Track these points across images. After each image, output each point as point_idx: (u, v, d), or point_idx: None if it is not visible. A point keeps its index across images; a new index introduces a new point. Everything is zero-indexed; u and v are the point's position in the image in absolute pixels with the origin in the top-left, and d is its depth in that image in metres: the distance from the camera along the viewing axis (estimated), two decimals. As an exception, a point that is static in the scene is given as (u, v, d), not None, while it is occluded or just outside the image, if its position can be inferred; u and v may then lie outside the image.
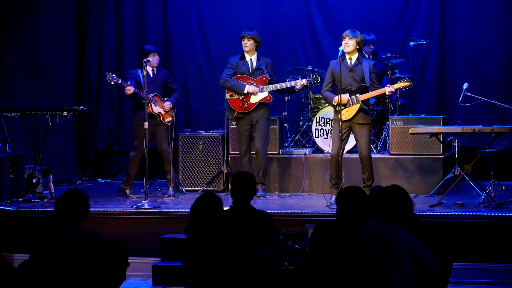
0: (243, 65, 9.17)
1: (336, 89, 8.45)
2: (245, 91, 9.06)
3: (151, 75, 9.13)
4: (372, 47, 10.48)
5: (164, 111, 9.16)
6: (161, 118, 9.18)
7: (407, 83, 8.53)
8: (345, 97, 8.27)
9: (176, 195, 9.31)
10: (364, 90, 8.38)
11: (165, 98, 9.22)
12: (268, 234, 5.89)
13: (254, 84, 9.09)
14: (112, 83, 9.13)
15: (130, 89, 8.94)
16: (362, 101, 8.34)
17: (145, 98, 8.64)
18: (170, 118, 9.28)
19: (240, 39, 9.16)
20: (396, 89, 8.55)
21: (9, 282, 5.25)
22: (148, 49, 9.21)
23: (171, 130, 9.30)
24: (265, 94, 9.10)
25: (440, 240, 5.08)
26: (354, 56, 8.40)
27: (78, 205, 5.45)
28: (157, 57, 9.17)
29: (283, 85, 9.20)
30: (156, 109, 9.10)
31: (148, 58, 8.84)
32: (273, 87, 9.11)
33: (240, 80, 9.12)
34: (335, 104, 8.34)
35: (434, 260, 4.78)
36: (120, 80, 9.02)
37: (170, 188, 9.28)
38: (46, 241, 4.89)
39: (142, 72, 8.91)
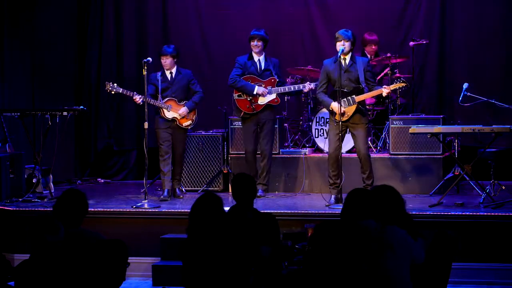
0: (252, 65, 9.15)
1: (332, 90, 8.43)
2: (255, 93, 9.04)
3: (169, 78, 9.01)
4: (373, 47, 10.49)
5: (180, 116, 9.00)
6: (178, 123, 9.00)
7: (403, 84, 8.53)
8: (343, 108, 8.23)
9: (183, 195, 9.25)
10: (360, 91, 8.36)
11: (183, 102, 9.02)
12: (269, 235, 5.90)
13: (263, 85, 9.08)
14: (113, 92, 8.95)
15: (137, 100, 8.83)
16: (358, 102, 8.33)
17: (145, 100, 8.62)
18: (188, 122, 9.06)
19: (249, 40, 9.12)
20: (392, 90, 8.57)
21: (8, 282, 5.26)
22: (160, 51, 9.09)
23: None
24: (273, 96, 9.09)
25: (440, 240, 5.08)
26: (348, 56, 8.38)
27: (77, 205, 5.44)
28: (165, 60, 8.96)
29: (292, 87, 9.18)
30: (170, 114, 8.94)
31: (148, 58, 8.75)
32: (281, 89, 9.09)
33: (249, 81, 9.10)
34: (331, 109, 8.35)
35: (419, 255, 4.81)
36: (121, 90, 8.88)
37: (177, 189, 9.20)
38: (44, 241, 4.89)
39: (161, 75, 8.94)
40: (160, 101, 8.90)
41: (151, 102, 8.82)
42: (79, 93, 11.47)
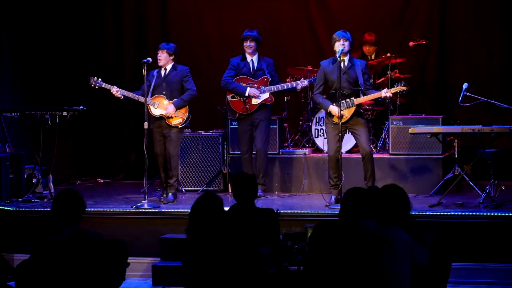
0: (244, 66, 9.16)
1: (330, 93, 8.39)
2: (246, 94, 9.04)
3: (162, 75, 8.89)
4: (367, 48, 10.51)
5: (166, 114, 8.78)
6: (167, 121, 8.79)
7: (404, 88, 8.49)
8: (342, 112, 8.19)
9: (176, 201, 8.90)
10: (358, 93, 8.34)
11: (174, 100, 8.82)
12: (269, 232, 5.91)
13: (255, 85, 9.08)
14: (96, 87, 8.94)
15: (115, 93, 8.82)
16: (357, 104, 8.31)
17: (145, 99, 8.62)
18: (178, 121, 8.82)
19: (242, 41, 9.14)
20: (393, 93, 8.54)
21: (8, 282, 5.26)
22: (157, 46, 9.00)
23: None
24: (266, 95, 9.10)
25: (440, 240, 5.08)
26: (346, 58, 8.35)
27: (73, 204, 5.43)
28: (160, 54, 8.84)
29: (285, 86, 9.18)
30: (157, 111, 8.76)
31: (148, 58, 8.72)
32: (274, 88, 9.09)
33: (241, 82, 9.10)
34: (329, 111, 8.31)
35: (424, 259, 4.81)
36: (104, 84, 8.86)
37: (170, 194, 8.88)
38: (46, 240, 4.90)
39: (157, 72, 8.86)
40: (148, 97, 8.70)
41: (132, 96, 8.78)
42: (79, 93, 11.46)
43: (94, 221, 7.90)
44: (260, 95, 9.06)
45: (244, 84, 9.08)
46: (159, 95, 8.85)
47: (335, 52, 8.29)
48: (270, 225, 5.98)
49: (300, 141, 10.26)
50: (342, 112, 8.19)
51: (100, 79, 8.93)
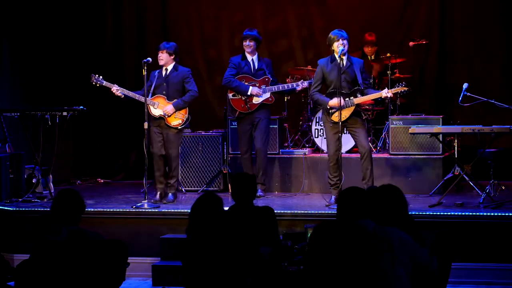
0: (245, 65, 9.16)
1: (328, 92, 8.38)
2: (249, 93, 9.04)
3: (163, 75, 8.84)
4: (370, 48, 10.51)
5: (165, 114, 8.76)
6: (166, 122, 8.75)
7: (405, 88, 8.47)
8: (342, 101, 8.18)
9: (176, 201, 8.88)
10: (357, 92, 8.32)
11: (174, 100, 8.77)
12: (268, 229, 5.92)
13: (257, 85, 9.08)
14: (97, 85, 8.94)
15: (115, 92, 8.80)
16: (356, 104, 8.30)
17: (145, 99, 8.62)
18: (177, 122, 8.77)
19: (242, 40, 9.16)
20: (394, 93, 8.51)
21: (8, 282, 5.27)
22: (157, 47, 8.96)
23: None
24: (267, 95, 9.10)
25: (440, 240, 5.08)
26: (345, 57, 8.34)
27: (73, 204, 5.42)
28: (161, 55, 8.79)
29: (285, 86, 9.19)
30: (156, 111, 8.72)
31: (148, 58, 8.71)
32: (275, 88, 9.10)
33: (243, 81, 9.10)
34: (329, 107, 8.29)
35: (430, 261, 4.79)
36: (104, 82, 8.85)
37: (170, 194, 8.86)
38: (45, 240, 4.90)
39: (158, 72, 8.83)
40: (148, 97, 8.67)
41: (132, 95, 8.75)
42: (79, 93, 11.47)
43: (94, 221, 7.90)
44: (262, 94, 9.07)
45: (246, 83, 9.08)
46: (159, 95, 8.83)
47: (332, 51, 8.30)
48: (268, 222, 5.99)
49: (300, 141, 10.26)
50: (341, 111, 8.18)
51: (101, 77, 8.93)
